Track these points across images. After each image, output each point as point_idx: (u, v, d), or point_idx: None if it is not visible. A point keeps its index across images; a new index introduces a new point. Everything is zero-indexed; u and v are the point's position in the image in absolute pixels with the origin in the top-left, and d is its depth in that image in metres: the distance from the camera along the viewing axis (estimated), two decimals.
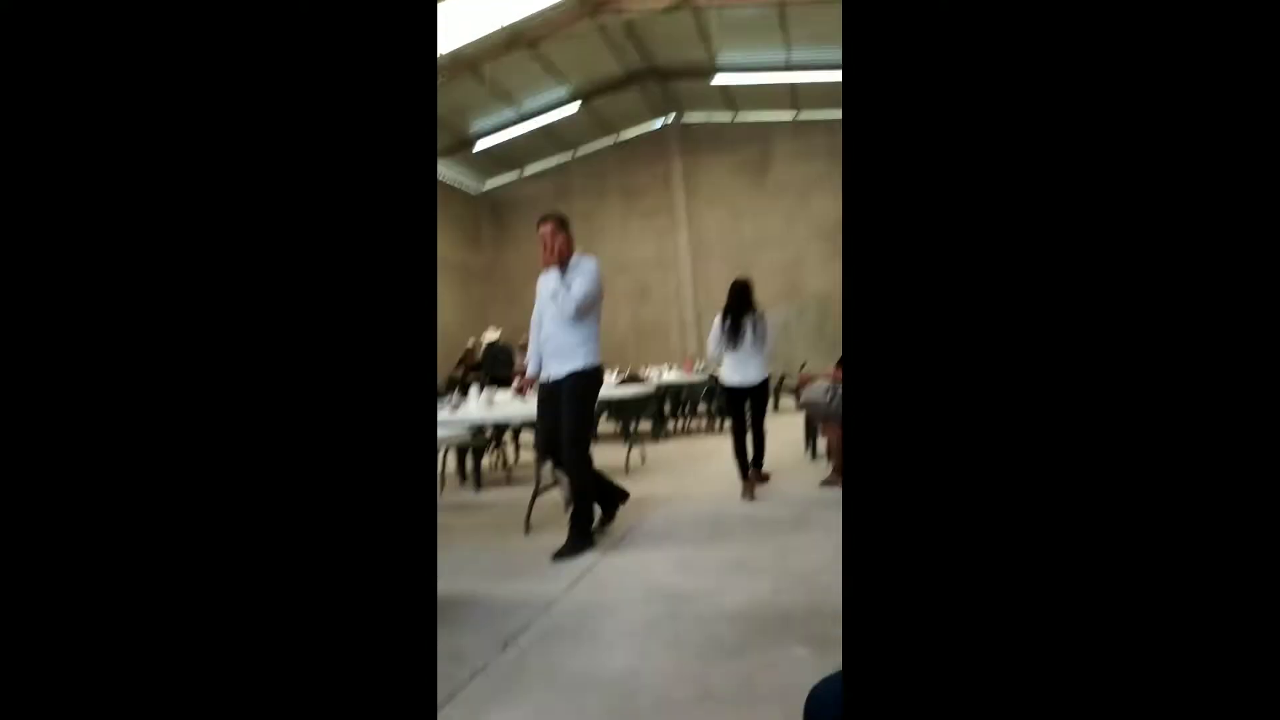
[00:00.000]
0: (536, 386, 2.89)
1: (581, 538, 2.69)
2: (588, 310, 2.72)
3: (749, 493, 3.52)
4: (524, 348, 9.45)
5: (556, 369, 2.73)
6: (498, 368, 6.61)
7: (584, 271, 2.73)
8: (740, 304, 3.66)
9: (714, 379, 7.13)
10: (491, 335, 7.33)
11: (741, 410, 3.67)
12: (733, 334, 3.60)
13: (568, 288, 2.70)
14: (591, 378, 2.75)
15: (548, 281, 2.79)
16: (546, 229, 2.74)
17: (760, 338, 3.61)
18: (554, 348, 2.75)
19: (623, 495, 3.05)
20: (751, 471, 3.62)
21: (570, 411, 2.68)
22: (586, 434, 2.86)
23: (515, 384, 3.47)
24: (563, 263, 2.75)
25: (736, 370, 3.64)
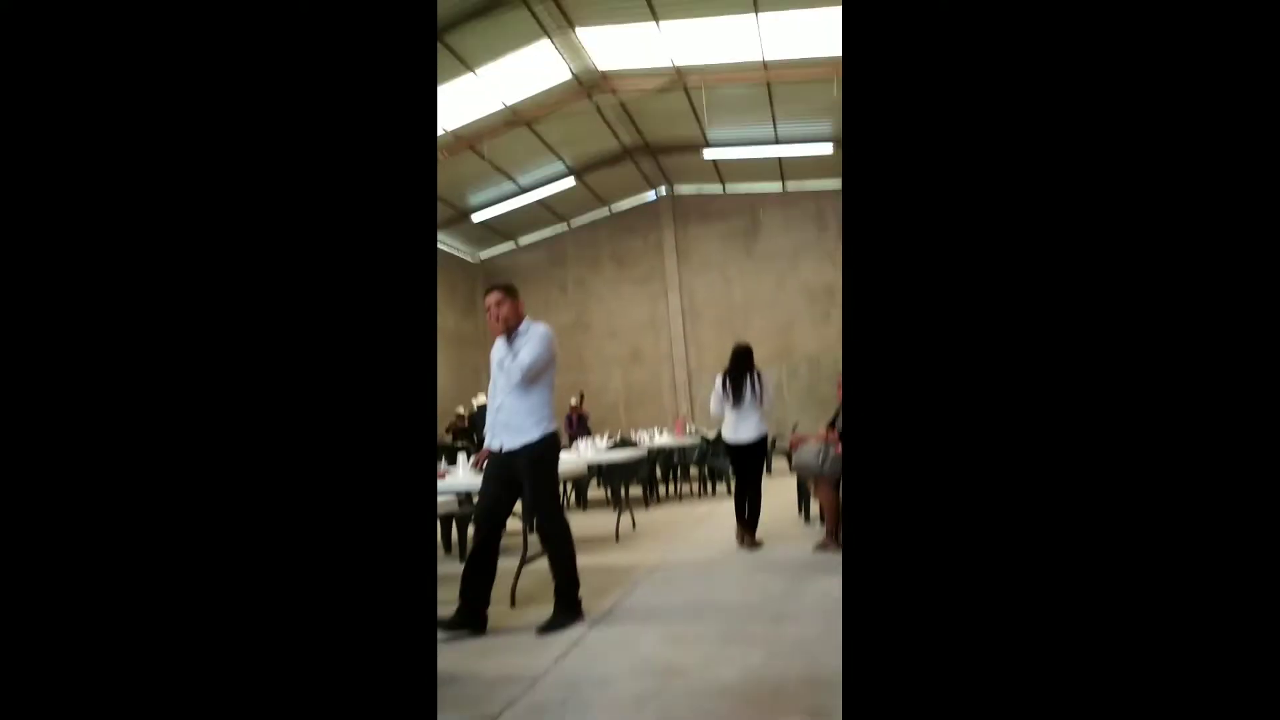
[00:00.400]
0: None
1: (568, 610, 2.61)
2: (535, 377, 2.66)
3: (745, 541, 3.73)
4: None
5: (509, 440, 2.66)
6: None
7: (532, 338, 2.69)
8: (740, 366, 3.93)
9: (705, 441, 7.09)
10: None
11: (741, 466, 3.91)
12: (734, 393, 3.87)
13: (514, 355, 2.66)
14: (548, 445, 2.67)
15: (497, 352, 2.75)
16: (492, 299, 2.73)
17: (758, 397, 3.85)
18: (505, 419, 2.68)
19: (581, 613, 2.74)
20: (745, 533, 3.79)
21: (535, 485, 2.58)
22: (557, 504, 2.76)
23: (471, 458, 3.40)
24: (510, 331, 2.72)
25: (737, 429, 3.87)
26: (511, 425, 2.66)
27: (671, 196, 12.40)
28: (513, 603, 2.93)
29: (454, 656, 2.32)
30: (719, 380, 3.94)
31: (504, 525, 2.71)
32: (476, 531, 2.78)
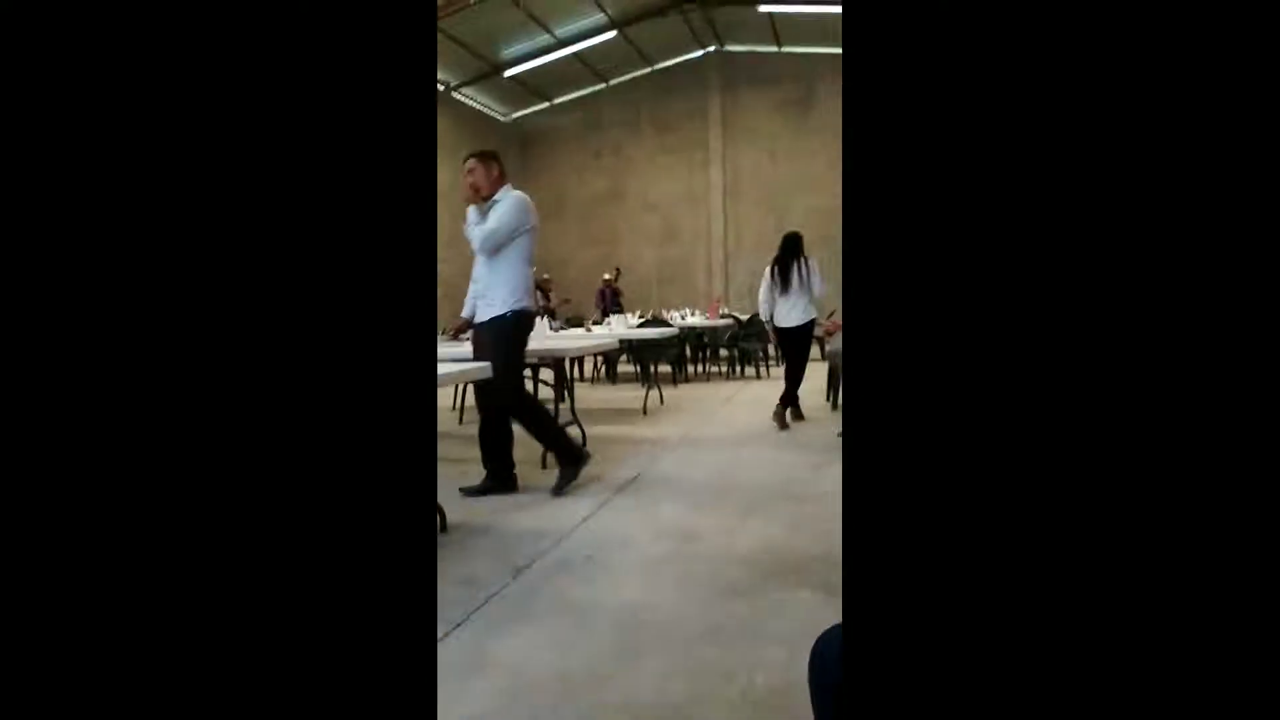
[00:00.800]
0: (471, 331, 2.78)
1: (570, 463, 2.69)
2: (499, 245, 2.55)
3: (780, 419, 3.94)
4: (545, 284, 9.44)
5: (482, 312, 2.62)
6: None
7: (501, 206, 2.57)
8: (789, 253, 4.07)
9: (738, 323, 7.06)
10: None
11: (787, 349, 4.15)
12: (782, 280, 3.99)
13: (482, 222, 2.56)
14: (511, 323, 2.58)
15: (469, 220, 2.64)
16: (467, 165, 2.61)
17: (806, 283, 3.98)
18: (479, 290, 2.64)
19: (585, 455, 2.85)
20: (778, 406, 4.01)
21: (493, 361, 2.47)
22: (512, 383, 2.64)
23: (449, 330, 3.38)
24: (485, 199, 2.60)
25: (785, 314, 4.03)
26: (484, 297, 2.63)
27: (720, 55, 11.44)
28: (544, 464, 3.07)
29: (486, 510, 2.47)
30: (768, 270, 4.06)
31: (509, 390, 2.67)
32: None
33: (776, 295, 4.02)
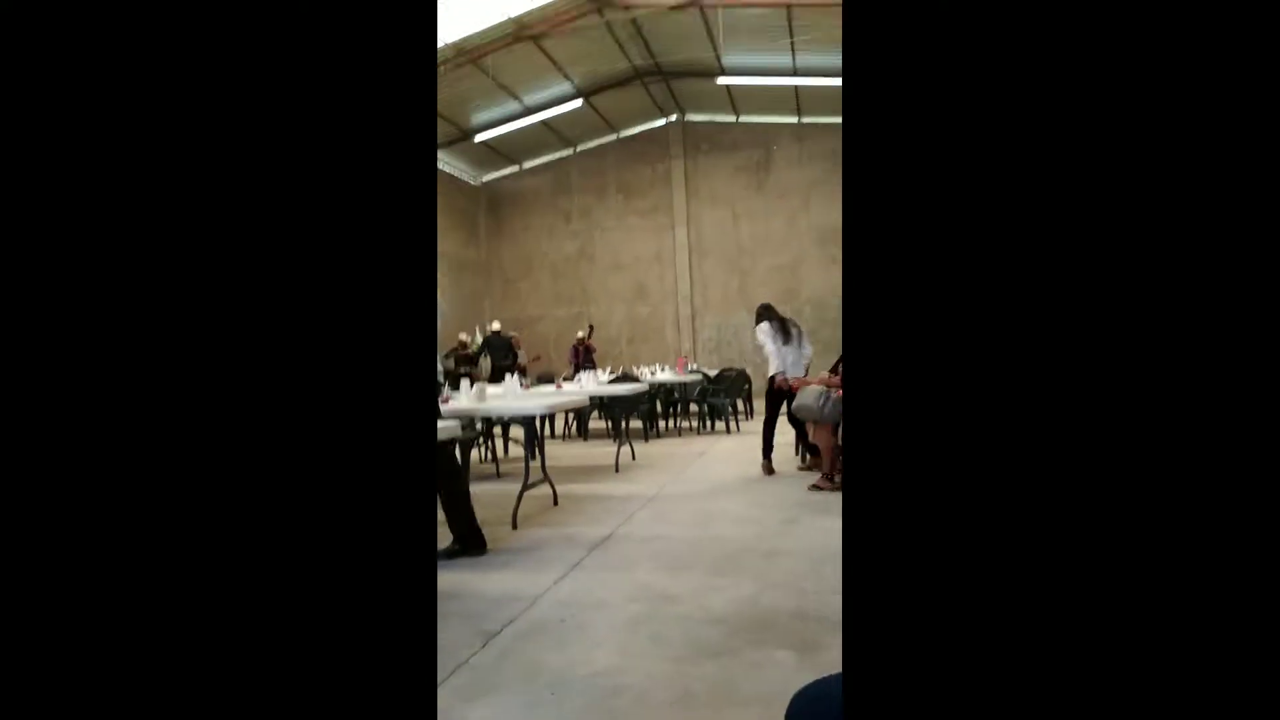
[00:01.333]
0: None
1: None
2: None
3: (767, 469, 4.22)
4: (515, 342, 9.44)
5: None
6: (497, 357, 6.79)
7: None
8: (776, 314, 4.38)
9: (706, 379, 7.13)
10: (496, 326, 7.57)
11: (780, 402, 4.28)
12: (785, 336, 4.23)
13: None
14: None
15: None
16: None
17: (799, 341, 4.29)
18: None
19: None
20: (810, 458, 4.23)
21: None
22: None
23: (474, 386, 3.52)
24: None
25: (792, 366, 4.24)
26: None
27: (682, 124, 11.97)
28: (514, 525, 3.02)
29: (455, 574, 2.41)
30: (767, 329, 4.26)
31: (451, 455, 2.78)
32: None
33: (780, 345, 4.22)
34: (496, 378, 5.05)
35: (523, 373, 6.77)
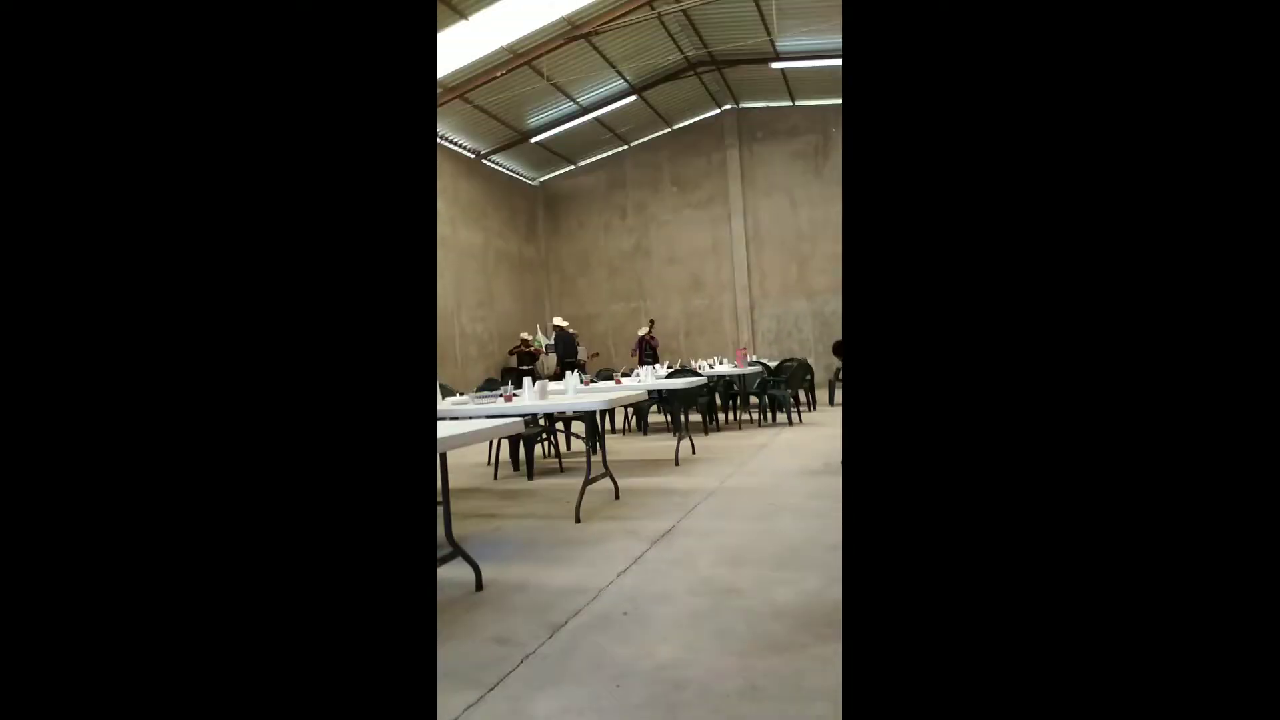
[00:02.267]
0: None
1: None
2: None
3: None
4: (576, 339, 9.53)
5: None
6: (563, 352, 6.98)
7: None
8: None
9: (766, 370, 7.03)
10: (560, 322, 7.63)
11: None
12: None
13: None
14: None
15: None
16: None
17: None
18: None
19: None
20: None
21: None
22: None
23: (535, 384, 3.55)
24: None
25: None
26: None
27: (737, 112, 11.80)
28: (578, 518, 3.06)
29: (522, 568, 2.47)
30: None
31: None
32: (512, 458, 2.83)
33: None
34: (562, 374, 5.15)
35: (583, 369, 6.86)
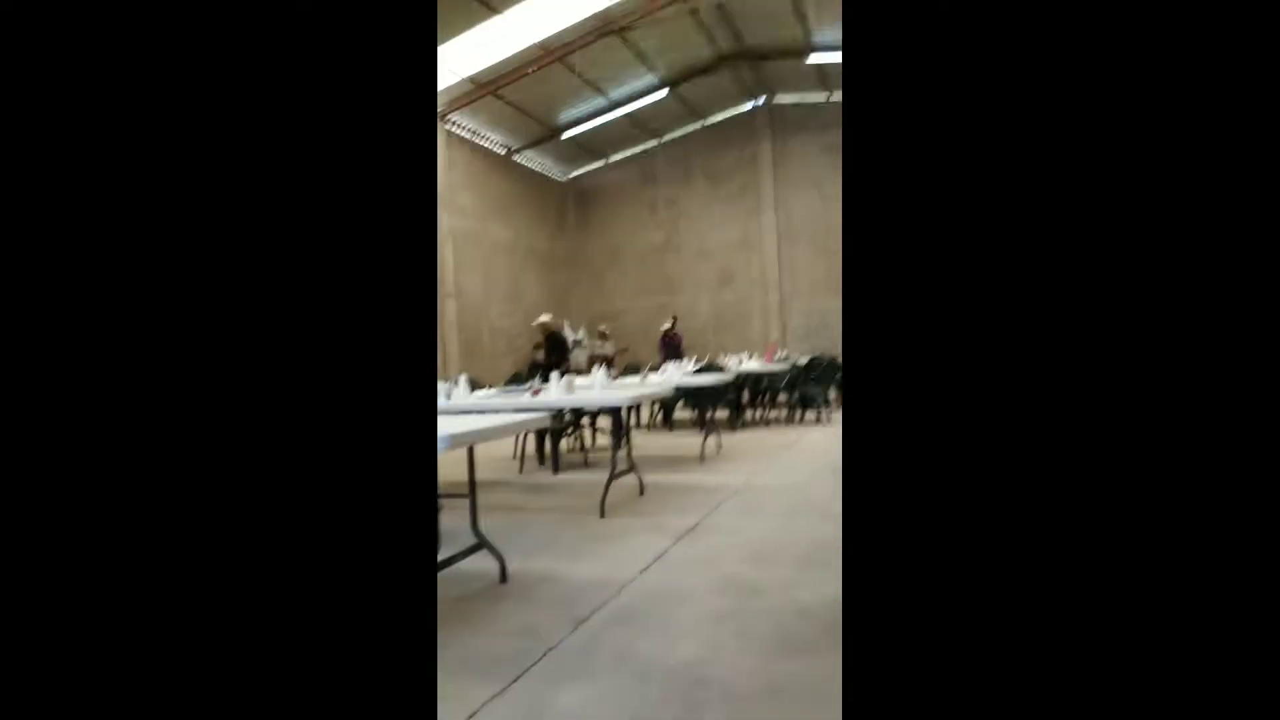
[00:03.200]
0: None
1: None
2: None
3: None
4: (604, 335, 9.26)
5: None
6: (558, 356, 6.29)
7: None
8: None
9: (795, 367, 6.95)
10: (546, 319, 6.68)
11: None
12: None
13: None
14: None
15: None
16: None
17: None
18: None
19: None
20: None
21: None
22: None
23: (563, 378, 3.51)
24: None
25: None
26: None
27: (769, 107, 11.66)
28: (602, 513, 3.08)
29: (546, 562, 2.49)
30: None
31: None
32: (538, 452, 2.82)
33: None
34: (546, 374, 5.00)
35: (610, 364, 6.84)
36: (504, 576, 2.27)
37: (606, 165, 12.89)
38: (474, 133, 10.54)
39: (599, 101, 10.46)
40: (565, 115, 10.77)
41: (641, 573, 2.29)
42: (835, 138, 11.15)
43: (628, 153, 12.63)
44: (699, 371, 5.98)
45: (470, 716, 1.41)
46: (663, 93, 10.36)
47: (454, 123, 9.99)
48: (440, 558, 2.00)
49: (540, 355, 6.89)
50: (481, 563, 2.30)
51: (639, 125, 11.59)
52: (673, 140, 12.32)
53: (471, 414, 2.63)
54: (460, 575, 2.26)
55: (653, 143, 12.38)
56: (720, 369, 6.13)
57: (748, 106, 11.78)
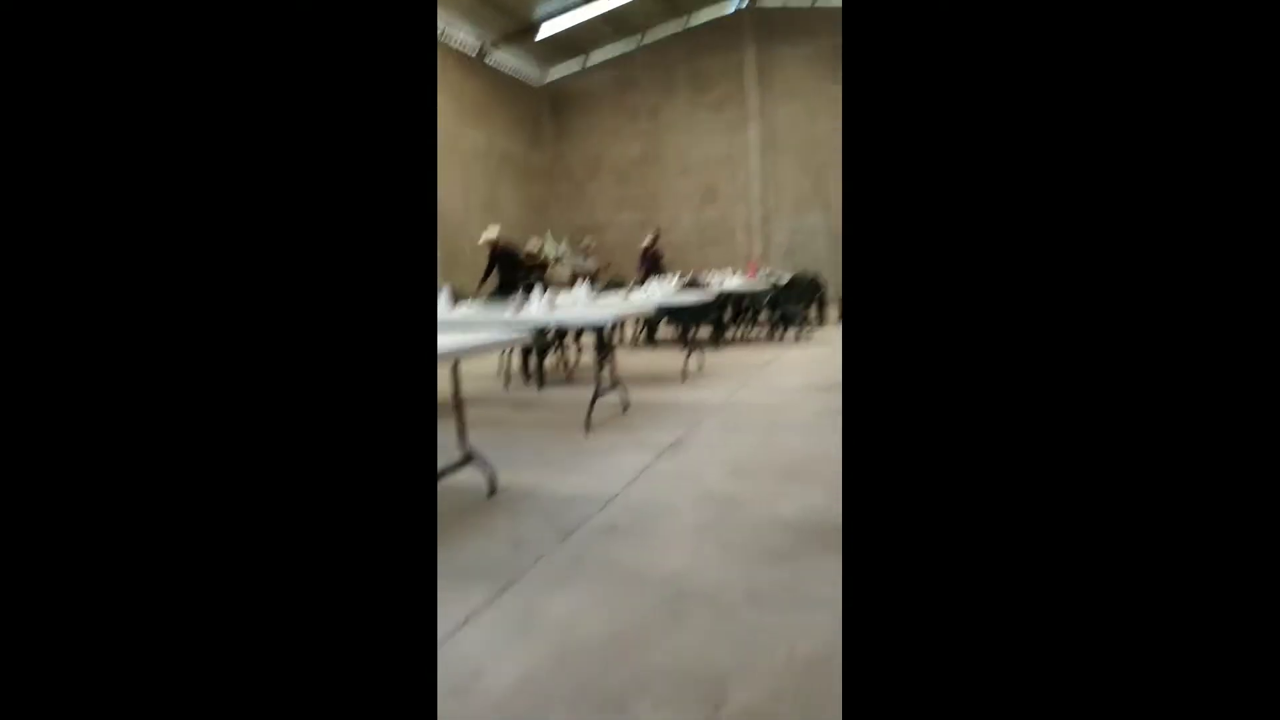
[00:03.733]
0: None
1: None
2: None
3: None
4: (587, 249, 8.98)
5: None
6: (507, 273, 5.40)
7: None
8: None
9: (776, 286, 6.94)
10: (490, 234, 5.50)
11: None
12: None
13: None
14: None
15: None
16: None
17: None
18: None
19: None
20: None
21: None
22: None
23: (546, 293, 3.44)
24: None
25: None
26: None
27: (755, 9, 11.00)
28: (587, 429, 3.13)
29: (531, 476, 2.54)
30: None
31: None
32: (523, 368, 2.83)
33: None
34: (506, 291, 4.61)
35: (593, 279, 6.74)
36: (493, 489, 2.32)
37: (585, 70, 12.21)
38: (443, 29, 9.83)
39: None
40: (541, 10, 10.06)
41: (626, 487, 2.36)
42: (821, 46, 10.64)
43: (607, 54, 11.94)
44: (683, 289, 5.94)
45: (467, 619, 1.47)
46: None
47: None
48: None
49: (488, 280, 5.82)
50: (470, 477, 2.35)
51: (619, 25, 10.89)
52: (655, 44, 11.64)
53: (456, 330, 2.59)
54: (450, 488, 2.30)
55: (633, 44, 11.70)
56: (703, 286, 6.10)
57: (731, 8, 11.10)
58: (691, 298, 5.21)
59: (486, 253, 5.61)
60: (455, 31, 9.93)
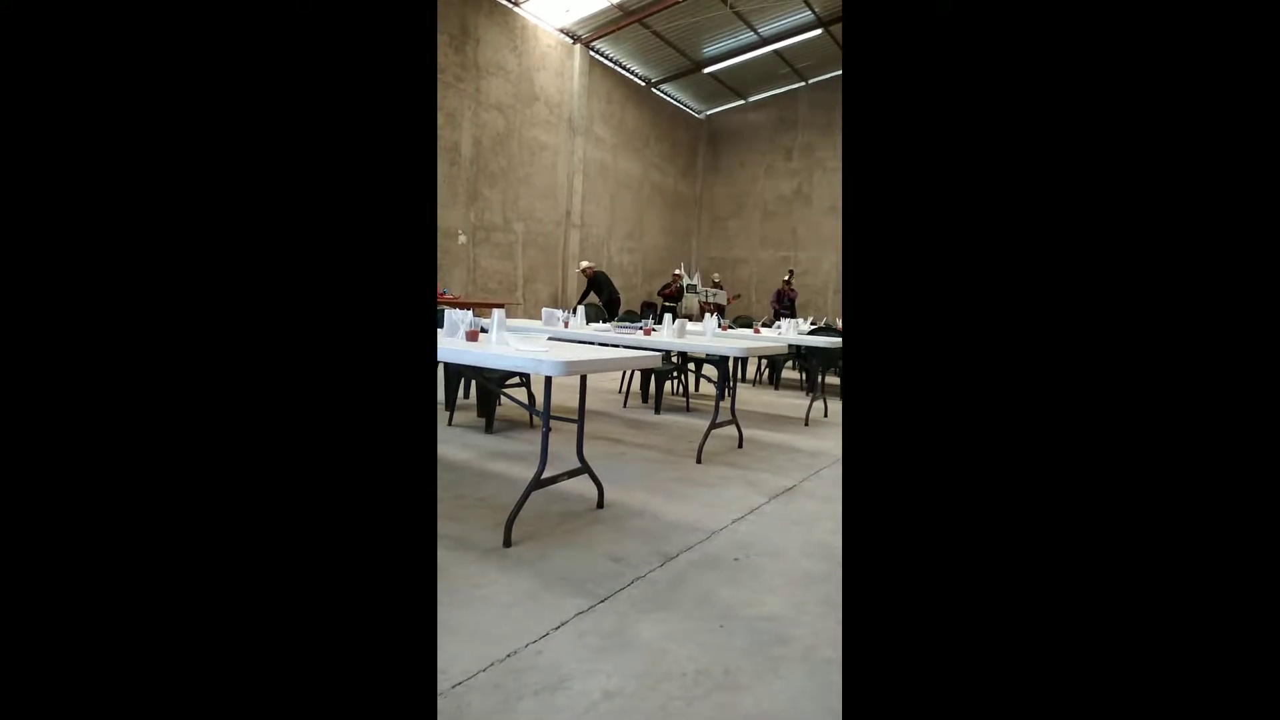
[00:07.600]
0: None
1: None
2: None
3: None
4: (717, 284, 9.14)
5: None
6: (607, 297, 6.64)
7: None
8: None
9: None
10: (585, 264, 7.16)
11: None
12: None
13: None
14: None
15: None
16: None
17: None
18: None
19: None
20: None
21: None
22: None
23: (675, 321, 3.55)
24: None
25: None
26: None
27: None
28: (699, 459, 3.11)
29: (639, 496, 2.56)
30: None
31: None
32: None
33: None
34: (610, 314, 5.03)
35: (721, 312, 6.75)
36: (600, 502, 2.37)
37: (746, 104, 12.37)
38: (615, 62, 10.42)
39: (747, 36, 9.96)
40: (710, 48, 10.37)
41: (734, 522, 2.31)
42: None
43: (770, 93, 12.03)
44: (814, 332, 5.78)
45: (561, 624, 1.50)
46: (816, 31, 9.68)
47: (597, 50, 9.91)
48: (546, 475, 2.11)
49: (660, 300, 7.03)
50: (581, 486, 2.41)
51: (785, 64, 10.96)
52: (818, 84, 11.57)
53: (586, 344, 2.69)
54: (562, 494, 2.38)
55: (798, 84, 11.70)
56: (837, 331, 5.89)
57: None
58: (823, 340, 5.05)
59: (585, 278, 7.22)
60: (626, 64, 10.49)
